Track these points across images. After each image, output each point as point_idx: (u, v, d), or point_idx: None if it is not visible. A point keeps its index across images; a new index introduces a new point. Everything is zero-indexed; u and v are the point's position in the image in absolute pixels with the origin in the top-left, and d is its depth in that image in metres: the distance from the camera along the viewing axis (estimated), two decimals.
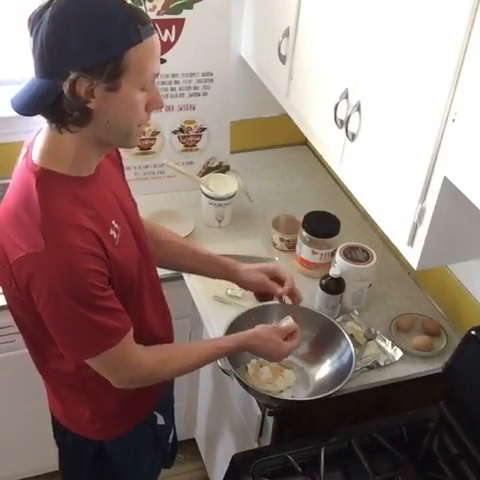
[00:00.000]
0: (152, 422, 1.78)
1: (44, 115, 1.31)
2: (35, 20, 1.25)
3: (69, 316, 1.36)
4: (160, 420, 1.80)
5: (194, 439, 2.67)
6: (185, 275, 2.15)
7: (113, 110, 1.30)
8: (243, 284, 1.85)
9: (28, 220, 1.32)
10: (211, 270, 1.85)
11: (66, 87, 1.24)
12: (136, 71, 1.27)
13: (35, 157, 1.36)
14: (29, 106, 1.29)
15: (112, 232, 1.42)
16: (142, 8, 2.12)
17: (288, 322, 1.76)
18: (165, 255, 1.80)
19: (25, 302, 1.39)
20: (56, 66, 1.24)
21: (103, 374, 1.48)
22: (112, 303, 1.41)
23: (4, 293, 1.48)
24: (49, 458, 2.43)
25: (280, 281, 1.83)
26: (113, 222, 1.44)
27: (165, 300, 1.76)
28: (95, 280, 1.35)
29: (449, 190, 1.42)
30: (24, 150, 1.43)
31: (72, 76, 1.23)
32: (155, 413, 1.78)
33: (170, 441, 1.97)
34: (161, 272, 2.14)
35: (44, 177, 1.34)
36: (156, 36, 1.31)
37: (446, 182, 1.41)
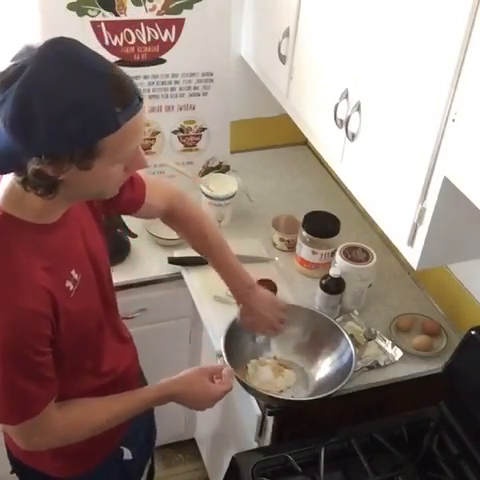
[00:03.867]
0: (118, 457, 1.67)
1: (7, 172, 1.23)
2: (5, 83, 1.13)
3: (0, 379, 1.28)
4: (127, 455, 1.69)
5: (194, 439, 2.67)
6: (185, 275, 2.15)
7: (85, 184, 1.22)
8: (247, 310, 1.82)
9: None
10: (228, 282, 1.83)
11: (30, 168, 1.15)
12: (112, 154, 1.18)
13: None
14: None
15: (68, 284, 1.34)
16: (142, 8, 2.13)
17: (219, 365, 1.70)
18: (197, 243, 1.80)
19: None
20: (19, 147, 1.13)
21: (15, 439, 1.41)
22: (46, 370, 1.33)
23: None
24: None
25: None
26: (72, 272, 1.35)
27: (131, 338, 1.69)
28: (37, 344, 1.28)
29: (449, 190, 1.42)
30: None
31: (36, 162, 1.14)
32: (121, 447, 1.68)
33: (144, 477, 1.85)
34: (161, 272, 2.16)
35: (4, 223, 1.25)
36: (142, 110, 1.19)
37: (446, 182, 1.41)
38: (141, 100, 1.19)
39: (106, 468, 1.66)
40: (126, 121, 1.15)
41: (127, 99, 1.16)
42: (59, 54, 1.14)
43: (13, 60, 1.16)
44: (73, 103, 1.11)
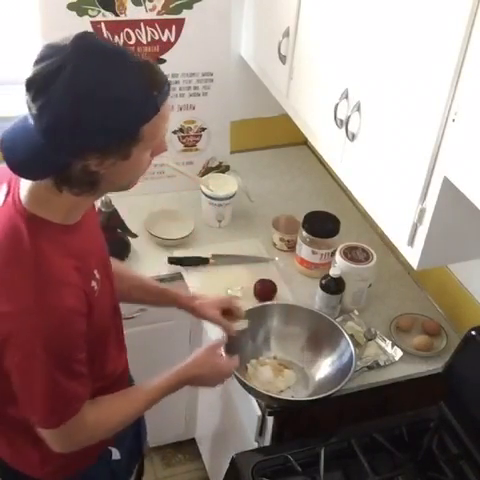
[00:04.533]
0: (106, 458, 1.66)
1: (37, 179, 1.23)
2: (42, 87, 1.13)
3: (41, 380, 1.28)
4: (115, 455, 1.68)
5: (194, 439, 2.67)
6: (185, 275, 2.15)
7: (121, 174, 1.25)
8: (198, 317, 1.82)
9: (16, 271, 1.24)
10: (162, 302, 1.80)
11: (78, 166, 1.18)
12: (149, 140, 1.22)
13: (24, 201, 1.26)
14: (33, 173, 1.21)
15: (93, 284, 1.35)
16: (142, 8, 2.13)
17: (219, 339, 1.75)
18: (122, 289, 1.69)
19: None
20: (69, 145, 1.15)
21: (51, 444, 1.41)
22: (82, 367, 1.35)
23: None
24: None
25: (236, 311, 1.80)
26: (95, 272, 1.37)
27: (124, 338, 1.67)
28: (79, 341, 1.30)
29: (449, 190, 1.42)
30: (4, 187, 1.31)
31: (86, 157, 1.17)
32: (109, 448, 1.66)
33: (133, 477, 1.84)
34: (161, 272, 2.15)
35: (36, 225, 1.26)
36: (169, 95, 1.24)
37: (446, 182, 1.41)
38: (169, 84, 1.22)
39: (95, 469, 1.65)
40: (162, 103, 1.19)
41: (161, 82, 1.19)
42: (93, 50, 1.16)
43: (40, 62, 1.15)
44: (118, 96, 1.14)
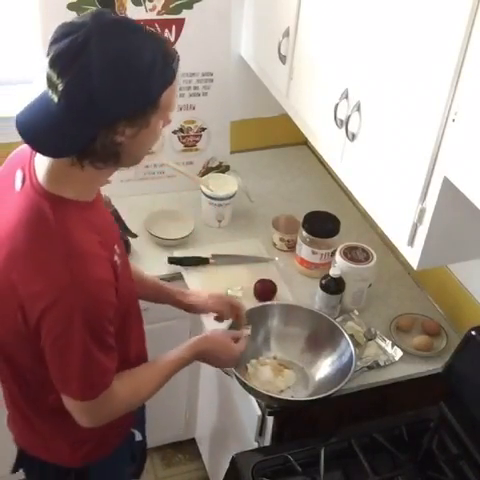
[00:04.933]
0: (131, 440, 1.73)
1: (63, 157, 1.25)
2: (70, 62, 1.16)
3: (78, 352, 1.31)
4: (138, 436, 1.76)
5: (194, 439, 2.67)
6: (185, 275, 2.15)
7: (140, 143, 1.29)
8: (193, 312, 1.87)
9: (46, 250, 1.26)
10: (160, 299, 1.83)
11: (107, 135, 1.21)
12: (164, 109, 1.27)
13: (43, 182, 1.29)
14: (55, 149, 1.22)
15: (116, 258, 1.38)
16: (142, 8, 2.13)
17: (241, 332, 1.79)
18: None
19: (27, 337, 1.33)
20: (100, 114, 1.18)
21: (84, 419, 1.43)
22: (112, 340, 1.38)
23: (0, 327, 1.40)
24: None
25: (233, 307, 1.83)
26: (115, 247, 1.40)
27: (143, 323, 1.71)
28: (111, 313, 1.34)
29: (449, 190, 1.42)
30: (19, 173, 1.34)
31: (116, 125, 1.21)
32: (132, 430, 1.73)
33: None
34: (161, 272, 2.15)
35: (59, 204, 1.28)
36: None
37: (446, 182, 1.41)
38: (178, 54, 1.27)
39: (120, 452, 1.70)
40: (176, 73, 1.25)
41: (173, 52, 1.26)
42: (113, 22, 1.21)
43: (60, 40, 1.18)
44: (145, 62, 1.19)
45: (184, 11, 2.20)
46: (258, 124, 2.70)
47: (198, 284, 2.11)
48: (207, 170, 2.50)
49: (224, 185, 2.35)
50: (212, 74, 2.34)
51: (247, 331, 1.80)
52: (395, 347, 1.95)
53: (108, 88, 1.16)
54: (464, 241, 1.59)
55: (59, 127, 1.19)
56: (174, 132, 2.40)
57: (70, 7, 2.07)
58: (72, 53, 1.16)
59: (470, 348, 1.71)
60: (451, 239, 1.56)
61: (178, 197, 2.45)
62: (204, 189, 2.32)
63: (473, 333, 1.70)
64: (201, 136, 2.44)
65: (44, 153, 1.24)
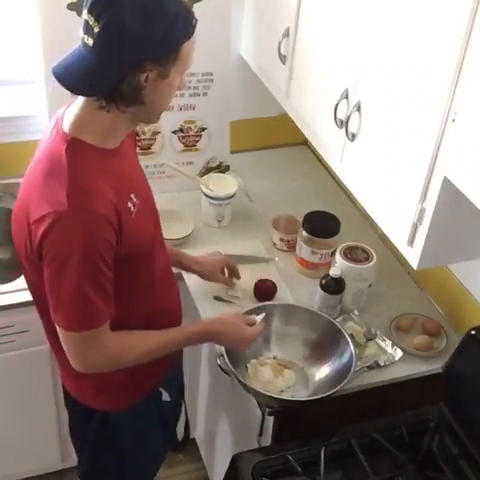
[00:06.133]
0: (157, 398, 1.80)
1: (96, 95, 1.38)
2: (110, 3, 1.28)
3: (69, 282, 1.40)
4: (165, 396, 1.81)
5: (194, 439, 2.67)
6: (185, 275, 2.15)
7: (159, 94, 1.41)
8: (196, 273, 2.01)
9: (55, 183, 1.39)
10: (178, 258, 1.95)
11: (134, 75, 1.33)
12: (184, 61, 1.40)
13: (66, 128, 1.43)
14: (89, 88, 1.36)
15: (130, 205, 1.48)
16: None
17: (256, 317, 1.83)
18: None
19: (37, 263, 1.44)
20: (130, 54, 1.31)
21: (69, 352, 1.50)
22: (108, 285, 1.45)
23: (20, 257, 1.53)
24: (51, 457, 2.43)
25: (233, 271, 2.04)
26: (132, 195, 1.50)
27: (174, 276, 1.82)
28: (105, 252, 1.40)
29: (449, 190, 1.42)
30: (52, 123, 1.49)
31: (144, 66, 1.33)
32: (160, 389, 1.80)
33: (181, 422, 2.00)
34: None
35: (74, 145, 1.41)
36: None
37: (446, 182, 1.41)
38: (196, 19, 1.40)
39: (146, 407, 1.77)
40: (194, 29, 1.38)
41: (193, 13, 1.38)
42: None
43: None
44: (176, 9, 1.33)
45: None
46: (258, 124, 2.70)
47: (198, 284, 2.11)
48: (207, 170, 2.50)
49: (224, 185, 2.35)
50: (212, 74, 2.34)
51: (261, 317, 1.83)
52: (395, 347, 1.95)
53: (138, 30, 1.29)
54: (464, 241, 1.59)
55: (93, 68, 1.33)
56: (174, 132, 2.40)
57: (70, 7, 2.07)
58: None
59: (470, 348, 1.71)
60: (451, 239, 1.56)
61: (178, 197, 2.45)
62: (204, 189, 2.32)
63: (473, 333, 1.70)
64: (201, 136, 2.45)
65: (78, 92, 1.39)
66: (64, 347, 1.50)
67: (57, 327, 1.48)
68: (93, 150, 1.43)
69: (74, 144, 1.41)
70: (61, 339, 1.49)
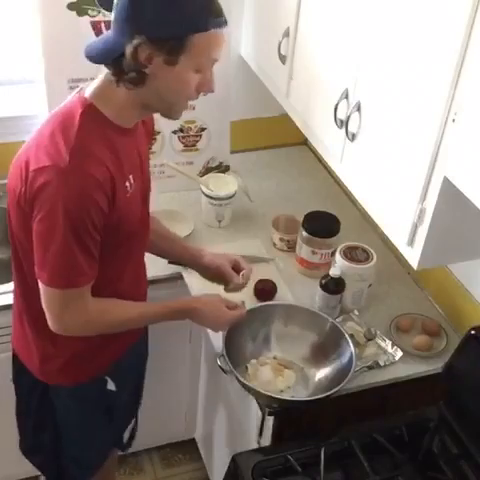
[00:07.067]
0: (101, 385, 1.79)
1: (107, 67, 1.44)
2: None
3: (58, 240, 1.42)
4: (111, 385, 1.80)
5: (194, 439, 2.67)
6: (185, 275, 2.15)
7: (165, 81, 1.42)
8: (205, 270, 1.94)
9: (61, 139, 1.42)
10: (174, 250, 1.95)
11: (128, 49, 1.36)
12: (196, 54, 1.39)
13: (87, 94, 1.48)
14: (98, 55, 1.43)
15: (127, 184, 1.52)
16: None
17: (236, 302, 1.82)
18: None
19: (25, 212, 1.46)
20: (125, 27, 1.36)
21: (49, 310, 1.53)
22: (94, 249, 1.48)
23: (9, 206, 1.55)
24: None
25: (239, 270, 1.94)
26: (131, 176, 1.54)
27: (145, 270, 1.83)
28: (95, 215, 1.43)
29: (449, 190, 1.42)
30: (77, 89, 1.53)
31: (135, 41, 1.35)
32: (106, 377, 1.79)
33: (129, 422, 2.01)
34: (161, 272, 2.15)
35: (90, 111, 1.46)
36: (225, 30, 1.42)
37: (446, 182, 1.42)
38: (226, 22, 1.41)
39: (88, 390, 1.77)
40: (213, 28, 1.38)
41: (217, 11, 1.39)
42: None
43: None
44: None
45: None
46: (258, 124, 2.70)
47: (198, 284, 2.11)
48: (207, 170, 2.50)
49: (224, 185, 2.35)
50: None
51: (242, 302, 1.83)
52: (395, 347, 1.95)
53: (135, 3, 1.33)
54: (464, 241, 1.59)
55: (107, 38, 1.42)
56: (174, 132, 2.40)
57: (70, 7, 2.07)
58: None
59: (470, 348, 1.71)
60: (451, 239, 1.56)
61: (178, 197, 2.45)
62: (204, 189, 2.32)
63: (473, 333, 1.70)
64: (201, 136, 2.45)
65: (88, 57, 1.44)
66: (44, 306, 1.53)
67: (40, 285, 1.50)
68: (105, 121, 1.47)
69: (90, 109, 1.46)
70: (43, 298, 1.52)
